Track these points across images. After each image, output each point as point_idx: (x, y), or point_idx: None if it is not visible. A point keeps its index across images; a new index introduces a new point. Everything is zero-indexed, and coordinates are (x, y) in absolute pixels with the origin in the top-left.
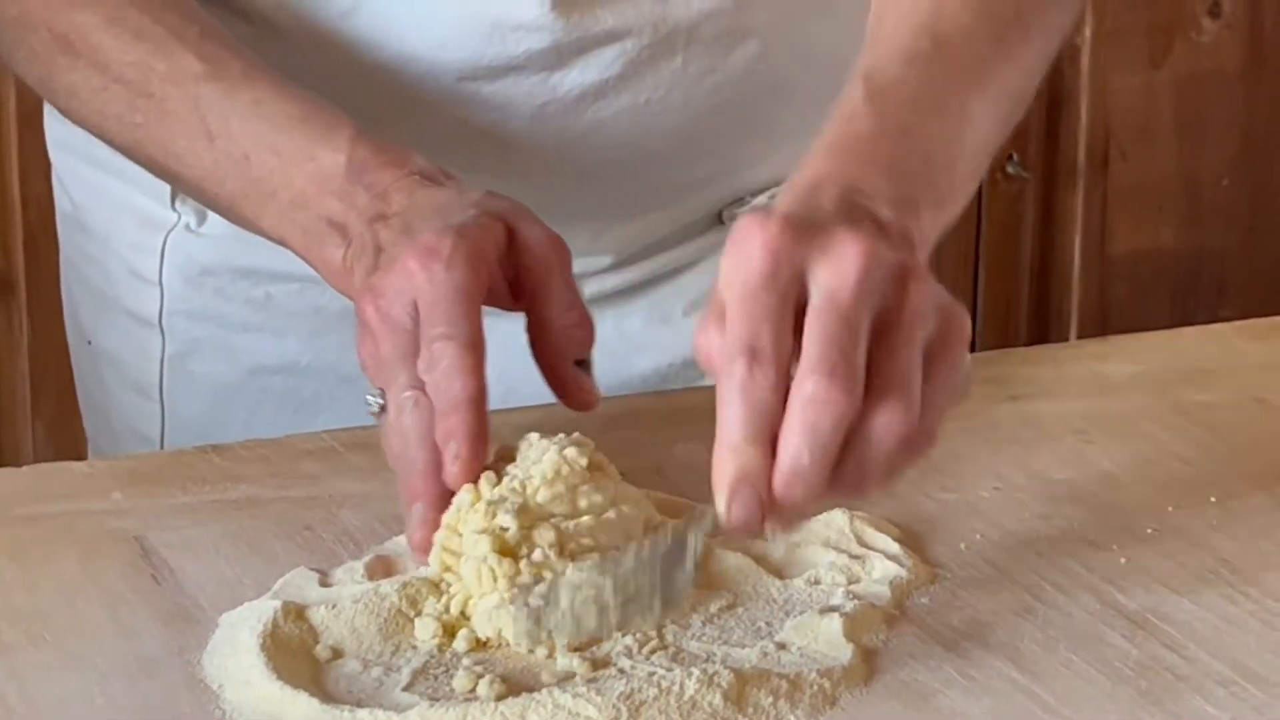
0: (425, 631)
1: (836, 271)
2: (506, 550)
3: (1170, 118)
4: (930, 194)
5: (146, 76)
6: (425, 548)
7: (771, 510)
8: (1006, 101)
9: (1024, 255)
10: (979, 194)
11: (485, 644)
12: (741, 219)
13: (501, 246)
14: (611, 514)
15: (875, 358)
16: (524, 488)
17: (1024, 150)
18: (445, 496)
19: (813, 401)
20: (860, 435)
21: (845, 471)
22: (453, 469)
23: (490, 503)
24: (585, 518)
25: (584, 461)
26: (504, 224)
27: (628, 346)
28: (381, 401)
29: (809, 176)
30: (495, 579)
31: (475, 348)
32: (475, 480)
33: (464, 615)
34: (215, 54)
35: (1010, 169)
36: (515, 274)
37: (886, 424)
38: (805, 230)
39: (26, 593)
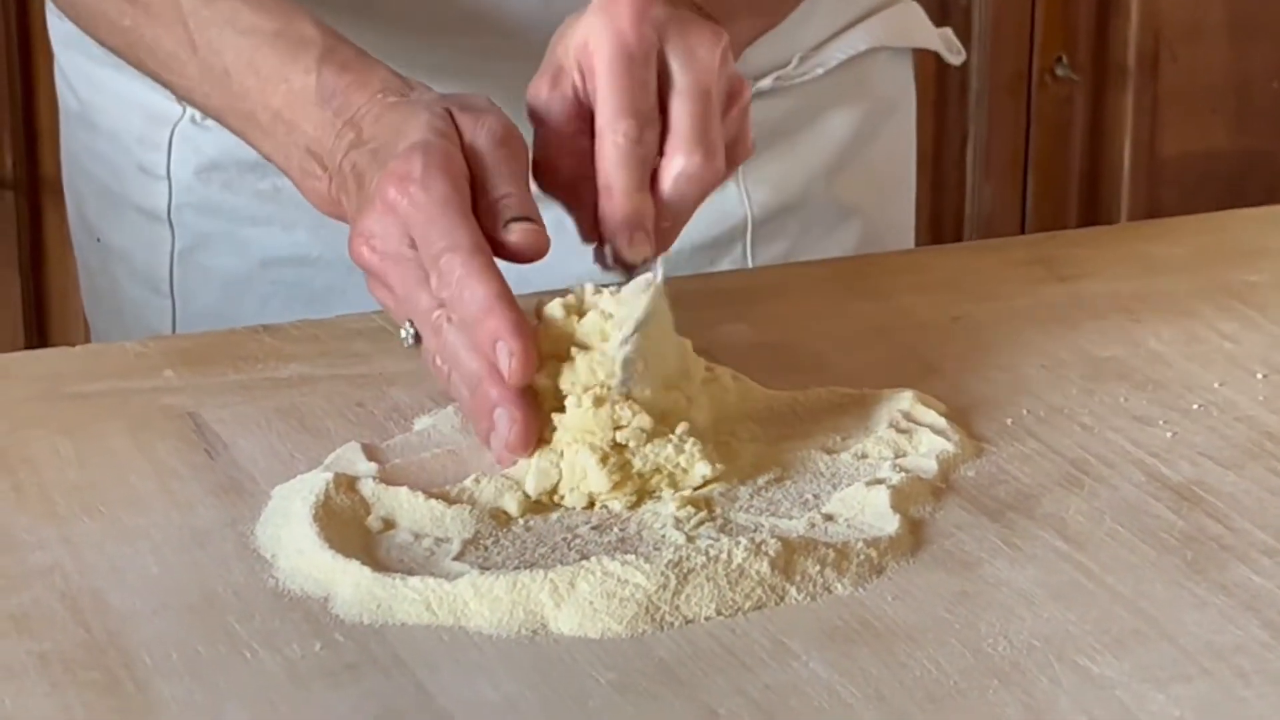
0: (513, 506)
1: (698, 59)
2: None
3: (1220, 18)
4: None
5: None
6: (527, 444)
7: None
8: None
9: (1073, 159)
10: (1027, 97)
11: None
12: None
13: (458, 149)
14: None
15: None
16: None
17: (1073, 52)
18: (524, 393)
19: (687, 176)
20: None
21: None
22: (512, 365)
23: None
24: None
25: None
26: (453, 121)
27: None
28: (415, 332)
29: None
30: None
31: (480, 250)
32: (535, 372)
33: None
34: None
35: (1059, 71)
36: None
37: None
38: (665, 10)
39: (80, 467)
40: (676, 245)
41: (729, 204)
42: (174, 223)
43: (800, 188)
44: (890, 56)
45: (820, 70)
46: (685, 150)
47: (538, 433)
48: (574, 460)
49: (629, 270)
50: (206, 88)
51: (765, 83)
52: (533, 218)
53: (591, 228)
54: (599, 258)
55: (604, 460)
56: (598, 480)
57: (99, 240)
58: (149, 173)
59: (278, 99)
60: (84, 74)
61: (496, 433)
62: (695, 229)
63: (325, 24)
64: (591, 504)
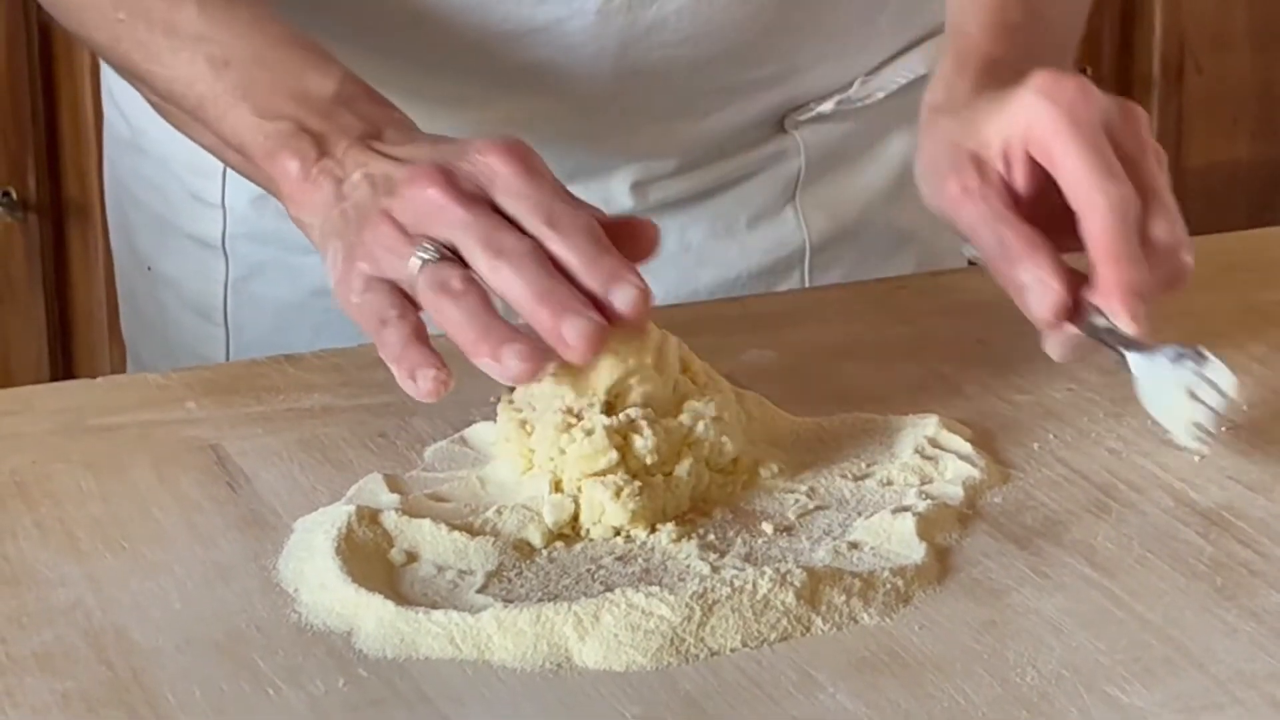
0: (536, 537)
1: (1139, 127)
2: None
3: (1245, 27)
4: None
5: None
6: (593, 347)
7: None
8: None
9: None
10: None
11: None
12: (1041, 78)
13: None
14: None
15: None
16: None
17: (1097, 63)
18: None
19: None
20: None
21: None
22: (635, 299)
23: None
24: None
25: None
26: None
27: (692, 259)
28: (435, 253)
29: (977, 57)
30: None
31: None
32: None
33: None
34: None
35: None
36: None
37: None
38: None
39: (103, 502)
40: (734, 271)
41: (787, 230)
42: (228, 251)
43: (858, 213)
44: None
45: (881, 94)
46: (1171, 217)
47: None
48: (591, 496)
49: (1126, 345)
50: (194, 76)
51: (826, 106)
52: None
53: (1054, 309)
54: (1057, 343)
55: (617, 494)
56: (616, 513)
57: (149, 269)
58: (202, 200)
59: (282, 92)
60: (136, 100)
61: (568, 332)
62: (753, 255)
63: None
64: (618, 533)
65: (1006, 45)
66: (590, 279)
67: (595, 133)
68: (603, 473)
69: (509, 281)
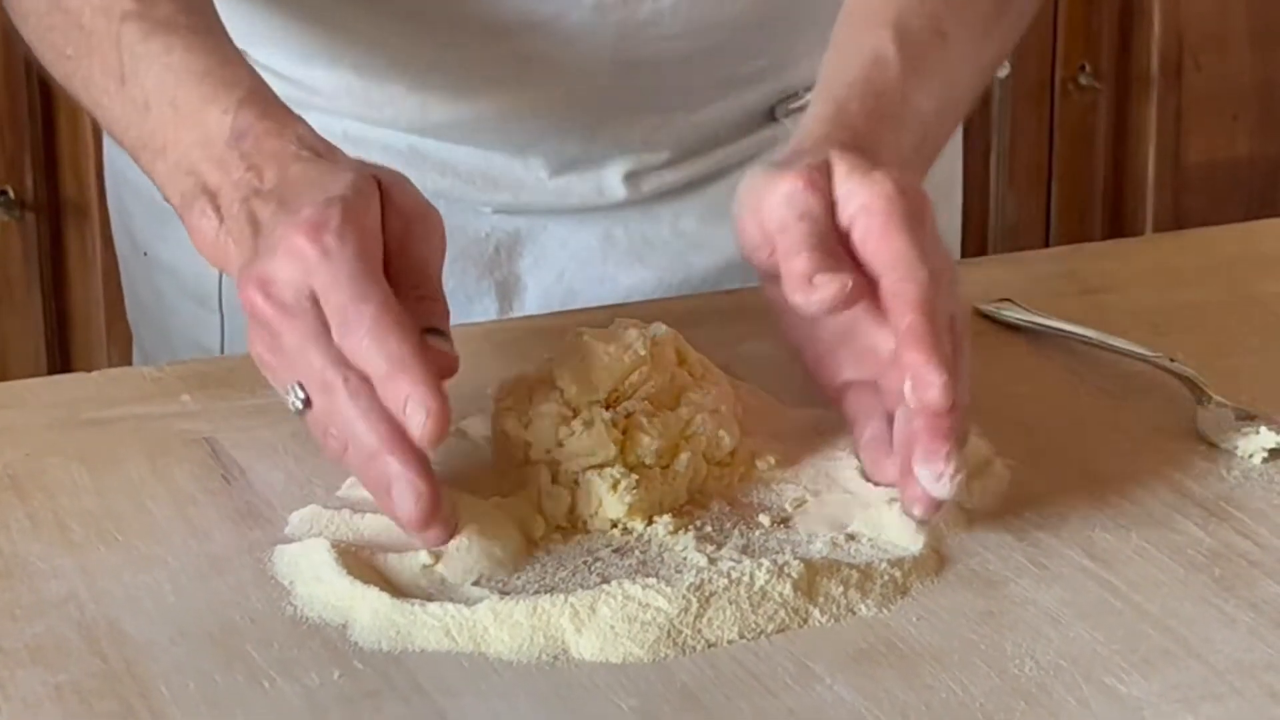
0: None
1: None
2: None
3: (1244, 24)
4: (919, 153)
5: (82, 7)
6: (429, 521)
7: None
8: (986, 76)
9: (1097, 167)
10: (1050, 106)
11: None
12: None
13: (378, 214)
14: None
15: None
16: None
17: (1096, 60)
18: (424, 460)
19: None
20: None
21: None
22: (426, 426)
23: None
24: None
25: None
26: (378, 187)
27: (685, 244)
28: (304, 395)
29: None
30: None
31: (392, 307)
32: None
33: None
34: None
35: (1082, 80)
36: (385, 237)
37: None
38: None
39: (97, 495)
40: (727, 257)
41: None
42: None
43: None
44: None
45: None
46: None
47: (442, 505)
48: (588, 488)
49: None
50: (125, 120)
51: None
52: (447, 332)
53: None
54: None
55: (615, 486)
56: (613, 506)
57: (145, 255)
58: None
59: (190, 137)
60: None
61: (398, 508)
62: None
63: (258, 74)
64: (615, 525)
65: (870, 124)
66: (387, 401)
67: (590, 124)
68: (600, 465)
69: (347, 441)
